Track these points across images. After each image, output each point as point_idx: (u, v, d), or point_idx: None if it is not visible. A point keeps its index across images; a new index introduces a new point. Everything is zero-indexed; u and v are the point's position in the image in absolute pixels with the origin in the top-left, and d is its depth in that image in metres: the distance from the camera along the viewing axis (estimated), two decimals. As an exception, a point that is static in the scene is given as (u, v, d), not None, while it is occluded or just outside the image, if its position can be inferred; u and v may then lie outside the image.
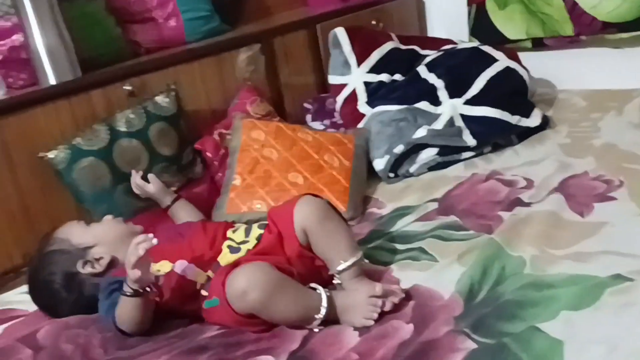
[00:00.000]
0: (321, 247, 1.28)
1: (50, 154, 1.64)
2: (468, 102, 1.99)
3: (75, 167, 1.64)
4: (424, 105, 2.01)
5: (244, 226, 1.44)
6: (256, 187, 1.79)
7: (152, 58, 2.01)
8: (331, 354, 1.12)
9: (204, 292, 1.28)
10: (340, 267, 1.25)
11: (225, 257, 1.33)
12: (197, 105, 2.03)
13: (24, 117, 1.65)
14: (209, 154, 1.95)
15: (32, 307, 1.50)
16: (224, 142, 1.98)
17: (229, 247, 1.35)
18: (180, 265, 1.30)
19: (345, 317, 1.20)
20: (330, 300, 1.19)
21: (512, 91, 2.05)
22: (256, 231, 1.39)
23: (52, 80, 1.74)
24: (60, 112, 1.71)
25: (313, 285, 1.23)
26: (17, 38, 1.77)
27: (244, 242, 1.36)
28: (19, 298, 1.55)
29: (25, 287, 1.57)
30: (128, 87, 1.84)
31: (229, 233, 1.41)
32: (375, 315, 1.17)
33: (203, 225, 1.47)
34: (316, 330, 1.18)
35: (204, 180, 1.93)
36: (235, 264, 1.25)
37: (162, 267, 1.31)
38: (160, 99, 1.84)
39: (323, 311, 1.17)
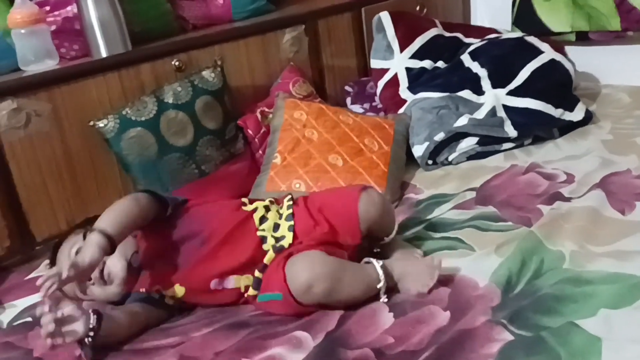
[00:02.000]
0: (374, 230, 1.34)
1: (100, 123, 1.68)
2: (511, 93, 1.98)
3: (124, 137, 1.69)
4: (466, 93, 2.01)
5: (262, 210, 1.38)
6: (296, 166, 1.82)
7: (199, 34, 2.04)
8: (367, 336, 1.14)
9: (252, 292, 1.29)
10: (388, 238, 1.34)
11: (271, 258, 1.30)
12: (241, 82, 2.05)
13: (76, 87, 1.69)
14: (250, 131, 1.98)
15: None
16: (265, 120, 2.01)
17: (273, 247, 1.31)
18: (216, 284, 1.31)
19: (404, 283, 1.25)
20: (385, 269, 1.23)
21: (556, 84, 2.03)
22: (285, 224, 1.34)
23: (104, 53, 1.78)
24: (110, 83, 1.75)
25: (365, 259, 1.27)
26: (71, 9, 1.80)
27: (281, 238, 1.32)
28: (65, 261, 1.61)
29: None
30: (176, 62, 1.87)
31: (256, 221, 1.35)
32: (432, 284, 1.22)
33: (229, 232, 1.34)
34: (385, 300, 1.22)
35: (244, 158, 1.96)
36: (287, 255, 1.25)
37: (175, 292, 1.31)
38: (207, 73, 1.87)
39: (382, 281, 1.21)
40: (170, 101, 1.77)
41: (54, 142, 1.67)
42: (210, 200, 1.46)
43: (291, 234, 1.32)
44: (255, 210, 1.38)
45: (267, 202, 1.42)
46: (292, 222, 1.34)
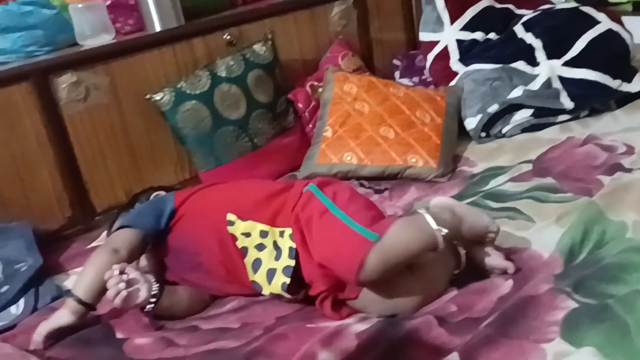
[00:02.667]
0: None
1: (157, 96, 1.71)
2: (567, 64, 1.93)
3: (179, 110, 1.71)
4: (520, 65, 1.97)
5: (254, 251, 1.23)
6: (347, 139, 1.82)
7: (250, 9, 2.05)
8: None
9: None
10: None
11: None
12: (290, 56, 2.06)
13: (132, 61, 1.72)
14: (300, 105, 1.99)
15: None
16: (315, 94, 2.01)
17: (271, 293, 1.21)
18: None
19: (467, 222, 1.15)
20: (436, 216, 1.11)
21: (614, 54, 1.97)
22: (281, 265, 1.19)
23: (158, 27, 1.80)
24: (164, 57, 1.78)
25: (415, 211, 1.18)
26: (125, -16, 1.83)
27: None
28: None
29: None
30: (227, 36, 1.89)
31: (248, 269, 1.23)
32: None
33: (223, 267, 1.27)
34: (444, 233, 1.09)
35: (294, 131, 1.97)
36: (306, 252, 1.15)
37: None
38: (258, 47, 1.88)
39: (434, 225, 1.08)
40: (224, 75, 1.79)
41: (112, 115, 1.71)
42: (196, 205, 1.33)
43: (288, 279, 1.16)
44: (245, 251, 1.23)
45: (262, 227, 1.23)
46: (292, 263, 1.17)
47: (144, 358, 1.13)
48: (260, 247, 1.22)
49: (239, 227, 1.24)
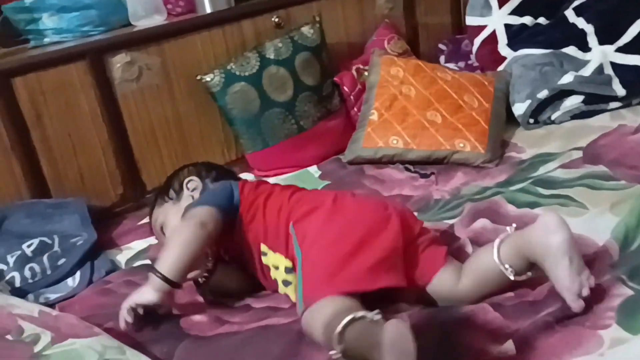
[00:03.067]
0: None
1: (207, 77, 1.74)
2: (620, 50, 1.89)
3: (229, 91, 1.74)
4: (571, 50, 1.94)
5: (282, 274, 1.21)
6: (393, 122, 1.82)
7: (297, -9, 2.05)
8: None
9: None
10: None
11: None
12: (337, 39, 2.06)
13: (183, 42, 1.75)
14: (346, 88, 1.99)
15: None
16: (361, 77, 2.02)
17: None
18: None
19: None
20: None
21: (669, 41, 1.93)
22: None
23: (208, 9, 1.82)
24: (214, 39, 1.80)
25: None
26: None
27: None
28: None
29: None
30: (275, 19, 1.90)
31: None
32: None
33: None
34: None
35: (339, 115, 1.98)
36: None
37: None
38: (306, 29, 1.88)
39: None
40: (272, 57, 1.80)
41: (163, 95, 1.74)
42: (245, 218, 1.25)
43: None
44: (276, 283, 1.22)
45: (286, 263, 1.19)
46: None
47: (201, 334, 1.16)
48: (285, 283, 1.19)
49: (270, 258, 1.21)
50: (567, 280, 0.99)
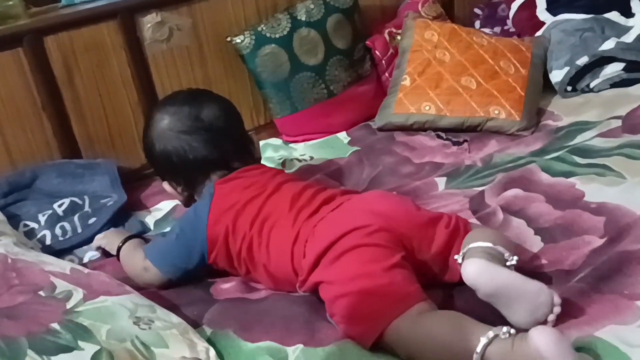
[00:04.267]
0: None
1: (237, 39, 1.71)
2: (665, 16, 1.82)
3: (259, 54, 1.71)
4: (613, 15, 1.87)
5: None
6: (426, 88, 1.78)
7: (330, -49, 1.99)
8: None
9: None
10: None
11: None
12: (369, 2, 2.01)
13: (214, 3, 1.72)
14: (377, 53, 1.95)
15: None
16: (393, 41, 1.97)
17: None
18: None
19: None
20: None
21: None
22: None
23: (239, -32, 1.79)
24: (245, 0, 1.76)
25: None
26: None
27: None
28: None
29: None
30: (307, -21, 1.86)
31: None
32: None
33: None
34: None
35: (370, 80, 1.94)
36: None
37: None
38: (339, -9, 1.84)
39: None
40: (303, 19, 1.77)
41: (193, 57, 1.72)
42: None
43: None
44: None
45: None
46: None
47: (229, 297, 1.16)
48: None
49: None
50: None
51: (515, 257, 0.98)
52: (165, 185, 1.36)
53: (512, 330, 0.85)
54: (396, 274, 0.98)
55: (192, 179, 1.30)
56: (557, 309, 0.90)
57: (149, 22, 1.63)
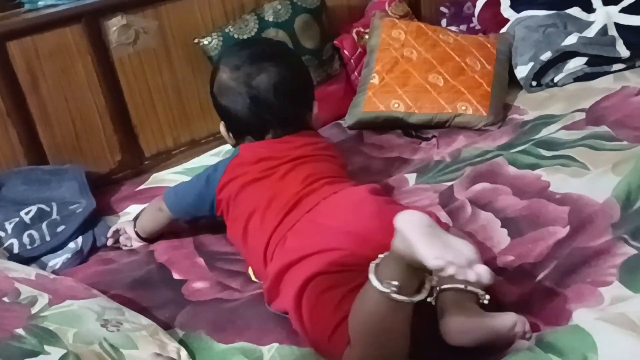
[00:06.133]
0: None
1: (205, 40, 1.71)
2: (624, 10, 1.85)
3: (227, 55, 1.71)
4: (575, 11, 1.90)
5: None
6: (394, 86, 1.79)
7: (296, -49, 2.00)
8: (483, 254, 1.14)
9: None
10: None
11: None
12: (337, 2, 2.01)
13: (180, 5, 1.71)
14: (346, 52, 1.96)
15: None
16: (362, 40, 1.98)
17: None
18: None
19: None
20: None
21: (674, 0, 1.89)
22: None
23: (204, -30, 1.78)
24: (212, 1, 1.75)
25: None
26: None
27: None
28: (171, 177, 1.68)
29: (176, 168, 1.71)
30: (274, -20, 1.86)
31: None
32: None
33: None
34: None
35: (340, 79, 1.95)
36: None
37: None
38: (305, -9, 1.85)
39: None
40: (271, 19, 1.77)
41: (160, 60, 1.71)
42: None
43: None
44: None
45: None
46: None
47: (202, 299, 1.16)
48: None
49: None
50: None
51: (487, 296, 0.95)
52: (221, 127, 1.40)
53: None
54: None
55: (236, 131, 1.37)
56: (528, 335, 0.92)
57: (114, 25, 1.61)
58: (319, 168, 1.25)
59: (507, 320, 0.91)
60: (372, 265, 0.86)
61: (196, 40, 1.71)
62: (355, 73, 1.95)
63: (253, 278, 1.23)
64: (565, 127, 1.55)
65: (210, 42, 1.70)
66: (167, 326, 1.10)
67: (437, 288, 0.93)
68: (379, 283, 0.83)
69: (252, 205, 1.19)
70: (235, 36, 1.72)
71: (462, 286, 0.93)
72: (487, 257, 1.11)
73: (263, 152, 1.27)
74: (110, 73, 1.63)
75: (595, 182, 1.26)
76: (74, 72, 1.59)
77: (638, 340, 0.86)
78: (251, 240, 1.18)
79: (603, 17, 1.86)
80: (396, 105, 1.76)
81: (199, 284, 1.22)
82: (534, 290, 1.03)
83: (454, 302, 0.93)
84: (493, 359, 0.90)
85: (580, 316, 0.92)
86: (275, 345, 1.02)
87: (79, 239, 1.40)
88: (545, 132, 1.56)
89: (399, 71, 1.82)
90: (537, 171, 1.37)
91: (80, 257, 1.37)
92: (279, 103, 1.30)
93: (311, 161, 1.27)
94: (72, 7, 1.58)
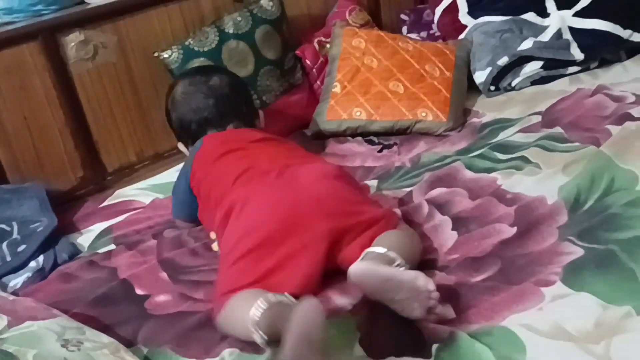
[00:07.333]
0: None
1: (165, 54, 1.71)
2: (578, 14, 1.90)
3: (188, 67, 1.71)
4: (530, 16, 1.94)
5: None
6: (356, 94, 1.82)
7: (255, -37, 2.01)
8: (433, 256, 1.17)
9: None
10: None
11: None
12: (297, 11, 2.04)
13: (139, 19, 1.71)
14: (308, 62, 1.98)
15: (147, 200, 1.62)
16: (323, 50, 2.00)
17: None
18: None
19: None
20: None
21: (624, 3, 1.93)
22: None
23: (163, -17, 1.79)
24: (171, 14, 1.76)
25: None
26: (129, -60, 1.80)
27: None
28: (135, 192, 1.68)
29: (140, 183, 1.70)
30: (234, -8, 1.87)
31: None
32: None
33: None
34: None
35: (302, 88, 1.97)
36: None
37: None
38: (265, 2, 1.86)
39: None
40: (231, 31, 1.78)
41: (121, 74, 1.71)
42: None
43: None
44: None
45: None
46: None
47: (165, 313, 1.16)
48: None
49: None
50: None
51: (404, 262, 1.02)
52: (180, 146, 1.56)
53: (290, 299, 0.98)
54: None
55: (195, 136, 1.47)
56: (434, 294, 0.95)
57: (72, 41, 1.61)
58: (286, 145, 1.42)
59: (410, 273, 0.97)
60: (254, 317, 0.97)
61: (156, 54, 1.71)
62: (318, 82, 1.97)
63: (215, 248, 1.30)
64: (521, 130, 1.59)
65: (170, 56, 1.71)
66: (130, 343, 1.09)
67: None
68: (256, 332, 0.97)
69: (226, 173, 1.27)
70: (196, 49, 1.73)
71: None
72: (434, 255, 1.14)
73: (227, 136, 1.42)
74: (69, 89, 1.63)
75: (545, 183, 1.30)
76: (32, 89, 1.58)
77: (567, 346, 0.89)
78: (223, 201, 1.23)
79: (557, 21, 1.91)
80: (358, 113, 1.78)
81: (162, 297, 1.22)
82: (474, 285, 1.05)
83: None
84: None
85: (515, 317, 0.95)
86: (237, 351, 1.02)
87: (40, 258, 1.39)
88: (502, 136, 1.59)
89: (360, 79, 1.84)
90: (493, 174, 1.39)
91: (41, 276, 1.35)
92: (235, 97, 1.51)
93: (277, 141, 1.42)
94: (29, 24, 1.58)
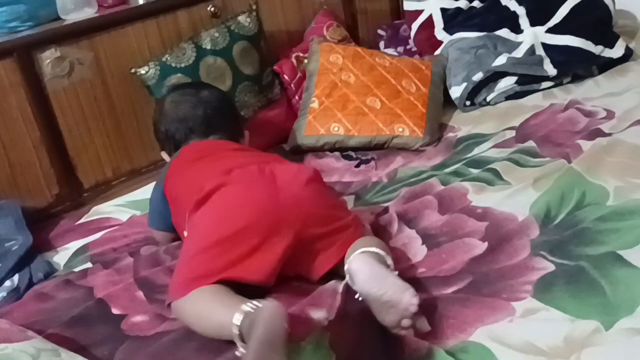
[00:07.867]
0: None
1: (142, 70, 1.71)
2: (550, 31, 1.94)
3: (165, 84, 1.71)
4: (504, 32, 1.98)
5: None
6: (334, 110, 1.83)
7: (233, -21, 2.02)
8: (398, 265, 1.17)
9: None
10: None
11: None
12: (275, 27, 2.05)
13: (116, 35, 1.71)
14: (286, 77, 1.99)
15: (124, 217, 1.61)
16: (301, 65, 2.01)
17: None
18: None
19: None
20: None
21: (596, 20, 1.98)
22: None
23: (140, 0, 1.79)
24: (148, 30, 1.77)
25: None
26: (106, -44, 1.81)
27: None
28: (112, 209, 1.67)
29: (117, 200, 1.70)
30: (211, 8, 1.87)
31: None
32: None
33: None
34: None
35: (281, 104, 1.98)
36: None
37: None
38: (243, 18, 1.87)
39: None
40: (209, 47, 1.78)
41: (97, 90, 1.70)
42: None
43: None
44: None
45: None
46: None
47: (142, 334, 1.15)
48: None
49: None
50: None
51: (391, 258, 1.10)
52: (163, 154, 1.56)
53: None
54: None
55: (178, 145, 1.48)
56: (412, 308, 0.97)
57: (47, 57, 1.60)
58: (264, 153, 1.47)
59: (404, 282, 1.00)
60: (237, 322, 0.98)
61: (133, 70, 1.71)
62: (296, 97, 1.98)
63: None
64: (496, 146, 1.61)
65: (147, 72, 1.71)
66: (106, 365, 1.09)
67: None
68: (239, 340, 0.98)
69: (200, 174, 1.27)
70: (173, 65, 1.73)
71: None
72: (401, 269, 1.15)
73: (205, 144, 1.44)
74: (45, 106, 1.62)
75: (515, 198, 1.32)
76: (7, 106, 1.57)
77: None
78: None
79: (530, 37, 1.95)
80: (336, 129, 1.80)
81: (138, 318, 1.21)
82: (445, 299, 1.06)
83: None
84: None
85: (487, 329, 0.96)
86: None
87: (15, 277, 1.37)
88: (477, 151, 1.61)
89: (337, 95, 1.85)
90: (465, 187, 1.41)
91: (17, 296, 1.33)
92: (222, 111, 1.52)
93: (255, 150, 1.46)
94: (4, 41, 1.57)
